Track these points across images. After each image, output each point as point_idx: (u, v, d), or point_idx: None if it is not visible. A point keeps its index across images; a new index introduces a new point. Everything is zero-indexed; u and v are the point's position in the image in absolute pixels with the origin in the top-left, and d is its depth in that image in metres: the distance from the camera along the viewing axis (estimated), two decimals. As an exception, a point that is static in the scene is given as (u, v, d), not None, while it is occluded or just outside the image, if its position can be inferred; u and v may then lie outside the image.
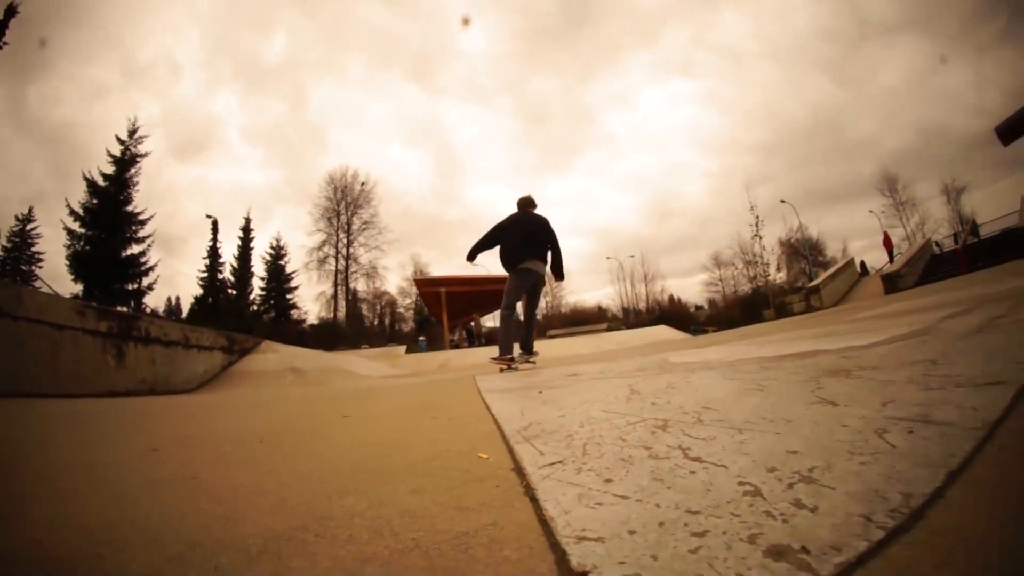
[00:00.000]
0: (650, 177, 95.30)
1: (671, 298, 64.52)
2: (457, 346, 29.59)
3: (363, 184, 56.23)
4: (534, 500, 1.01)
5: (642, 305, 59.76)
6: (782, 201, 46.70)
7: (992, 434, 1.05)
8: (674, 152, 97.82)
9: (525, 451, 1.41)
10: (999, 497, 0.83)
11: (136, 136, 37.21)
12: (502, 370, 6.73)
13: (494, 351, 7.27)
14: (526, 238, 7.22)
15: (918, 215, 52.32)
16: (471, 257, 7.44)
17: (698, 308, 61.77)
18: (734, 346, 4.89)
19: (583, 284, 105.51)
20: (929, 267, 26.98)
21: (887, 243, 35.39)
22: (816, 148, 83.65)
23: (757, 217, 48.24)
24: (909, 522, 0.75)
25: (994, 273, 11.39)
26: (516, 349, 7.18)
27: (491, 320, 48.35)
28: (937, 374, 1.65)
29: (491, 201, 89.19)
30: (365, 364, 14.31)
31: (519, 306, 7.62)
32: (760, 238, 48.64)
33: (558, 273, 7.49)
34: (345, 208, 55.76)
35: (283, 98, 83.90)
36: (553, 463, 1.24)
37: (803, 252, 49.23)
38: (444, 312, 29.75)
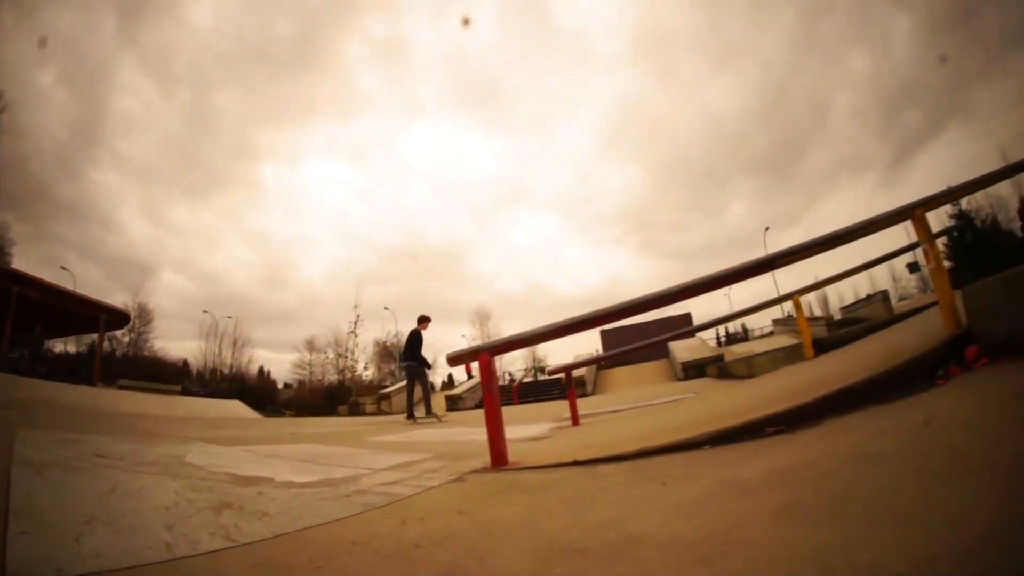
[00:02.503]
0: (275, 240, 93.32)
1: (260, 370, 62.39)
2: (16, 369, 24.32)
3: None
4: None
5: (227, 371, 55.96)
6: (385, 308, 52.41)
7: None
8: (310, 226, 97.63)
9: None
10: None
11: None
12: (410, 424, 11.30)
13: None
14: (406, 347, 13.14)
15: (501, 349, 59.08)
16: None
17: (287, 386, 60.15)
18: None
19: (173, 330, 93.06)
20: None
21: (468, 367, 40.66)
22: (437, 268, 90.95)
23: (358, 315, 50.24)
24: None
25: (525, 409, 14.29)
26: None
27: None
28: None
29: (115, 192, 77.57)
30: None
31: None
32: (356, 335, 50.37)
33: (420, 361, 12.87)
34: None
35: None
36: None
37: (395, 356, 51.92)
38: (8, 320, 23.55)
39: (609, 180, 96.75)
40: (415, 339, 12.99)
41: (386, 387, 35.69)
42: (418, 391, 12.81)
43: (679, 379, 24.13)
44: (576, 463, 3.63)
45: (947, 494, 1.58)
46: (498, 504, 2.84)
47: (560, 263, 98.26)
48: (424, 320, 13.24)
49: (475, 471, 3.99)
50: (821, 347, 9.86)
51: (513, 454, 4.32)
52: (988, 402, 2.53)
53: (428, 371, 13.20)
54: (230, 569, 1.92)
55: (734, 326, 54.73)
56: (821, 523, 1.61)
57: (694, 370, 23.51)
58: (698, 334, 33.99)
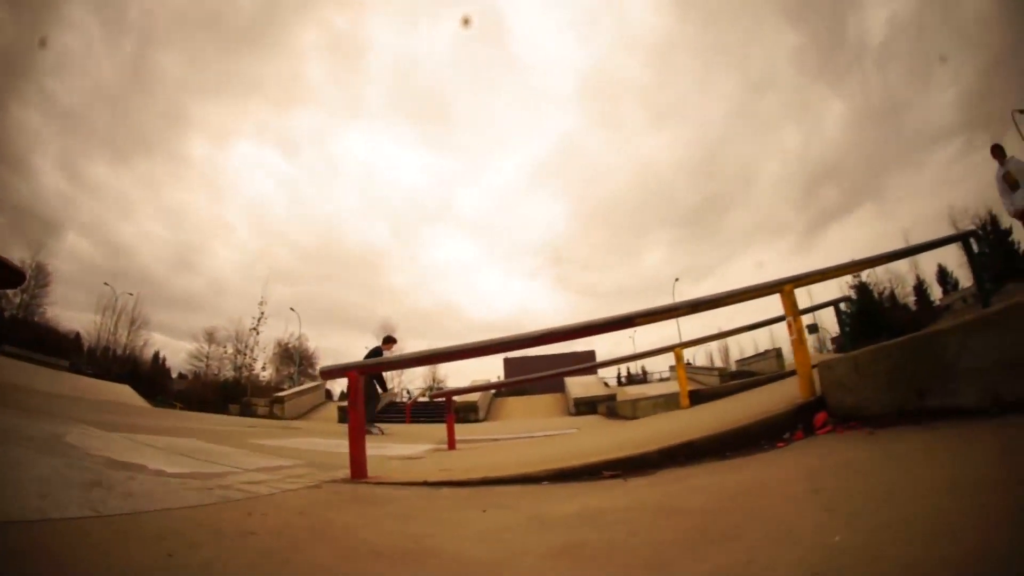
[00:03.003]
0: (191, 219, 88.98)
1: (156, 356, 58.01)
2: None
3: None
4: None
5: (121, 351, 51.26)
6: (292, 309, 49.72)
7: None
8: (228, 211, 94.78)
9: None
10: None
11: None
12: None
13: None
14: None
15: (402, 364, 57.73)
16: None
17: (181, 376, 56.30)
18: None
19: (69, 298, 78.21)
20: (384, 409, 31.09)
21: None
22: (351, 275, 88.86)
23: (264, 312, 47.89)
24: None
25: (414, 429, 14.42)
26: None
27: None
28: None
29: (33, 133, 66.49)
30: None
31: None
32: (258, 332, 48.27)
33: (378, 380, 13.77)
34: None
35: None
36: None
37: (295, 360, 50.70)
38: None
39: (534, 212, 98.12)
40: (376, 356, 12.98)
41: (282, 391, 34.79)
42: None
43: (571, 414, 24.67)
44: (426, 483, 3.91)
45: (709, 554, 1.77)
46: (337, 510, 3.14)
47: (474, 286, 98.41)
48: (389, 340, 13.96)
49: (335, 481, 4.23)
50: (699, 398, 10.49)
51: (381, 469, 4.61)
52: (797, 473, 2.81)
53: (386, 391, 14.28)
54: (90, 533, 2.18)
55: (635, 368, 56.13)
56: (585, 564, 1.88)
57: (586, 406, 24.07)
58: (600, 371, 34.80)
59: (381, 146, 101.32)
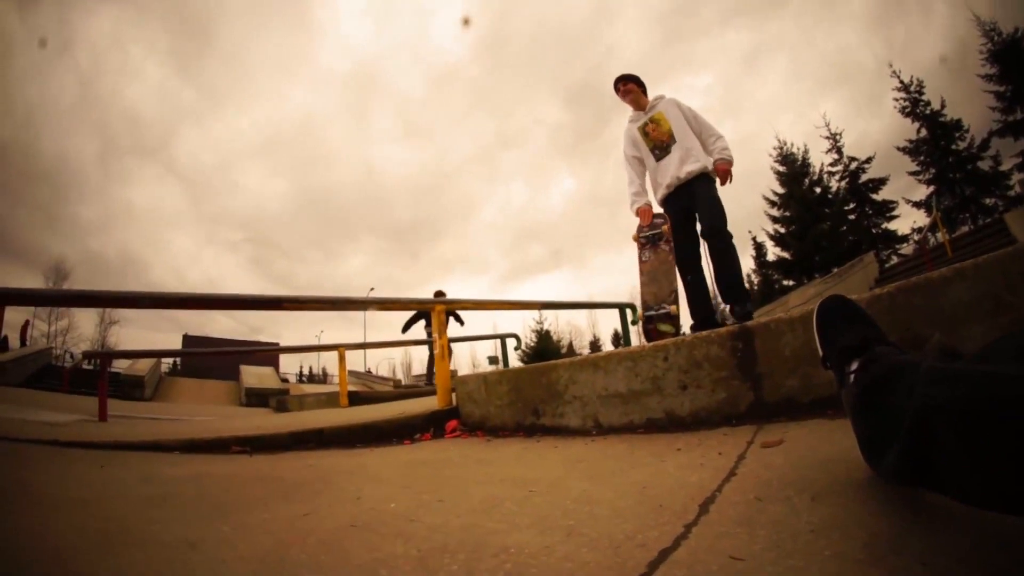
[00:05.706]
0: None
1: None
2: None
3: None
4: None
5: None
6: None
7: None
8: None
9: None
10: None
11: None
12: None
13: None
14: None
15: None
16: None
17: None
18: None
19: None
20: (39, 374, 26.66)
21: (24, 330, 34.21)
22: (31, 192, 75.77)
23: None
24: None
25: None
26: None
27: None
28: None
29: None
30: None
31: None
32: None
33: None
34: None
35: None
36: None
37: None
38: None
39: (253, 180, 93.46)
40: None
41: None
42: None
43: (242, 404, 23.93)
44: (56, 443, 3.75)
45: (275, 506, 2.02)
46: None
47: (166, 245, 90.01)
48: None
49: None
50: (359, 400, 11.07)
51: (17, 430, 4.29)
52: (403, 460, 3.20)
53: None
54: None
55: (317, 367, 55.93)
56: (168, 507, 2.03)
57: (257, 398, 23.52)
58: (283, 369, 34.00)
59: (124, 40, 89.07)
